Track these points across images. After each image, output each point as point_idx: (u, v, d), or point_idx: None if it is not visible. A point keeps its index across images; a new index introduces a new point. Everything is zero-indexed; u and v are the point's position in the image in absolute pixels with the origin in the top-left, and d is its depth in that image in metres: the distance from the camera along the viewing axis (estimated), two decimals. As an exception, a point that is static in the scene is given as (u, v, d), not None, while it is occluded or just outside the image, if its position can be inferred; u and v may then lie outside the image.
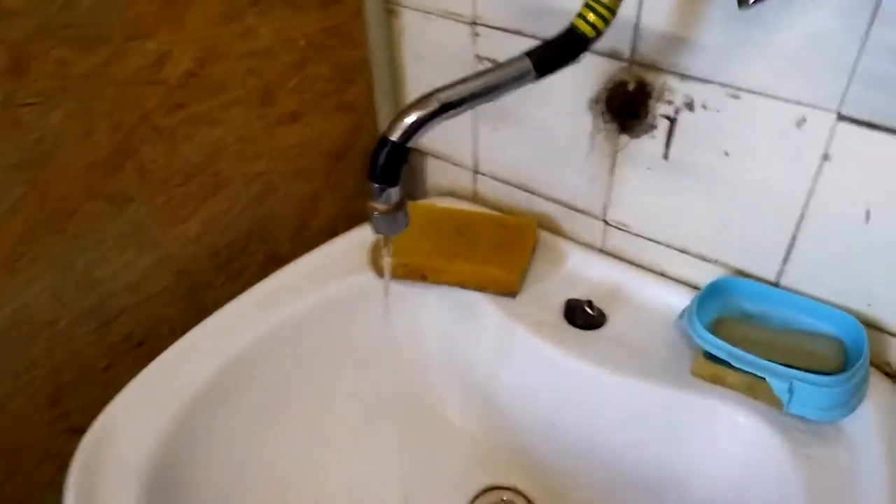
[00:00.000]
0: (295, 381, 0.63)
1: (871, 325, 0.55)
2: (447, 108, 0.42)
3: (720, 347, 0.53)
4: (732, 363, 0.53)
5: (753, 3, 0.45)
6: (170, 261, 0.64)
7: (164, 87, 0.57)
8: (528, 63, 0.44)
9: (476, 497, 0.65)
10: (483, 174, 0.75)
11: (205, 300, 0.69)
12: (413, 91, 0.77)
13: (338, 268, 0.67)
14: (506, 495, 0.65)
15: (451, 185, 0.79)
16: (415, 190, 0.84)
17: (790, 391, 0.51)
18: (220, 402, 0.57)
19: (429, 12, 0.69)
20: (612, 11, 0.45)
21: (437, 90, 0.43)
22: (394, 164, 0.42)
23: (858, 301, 0.56)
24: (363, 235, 0.71)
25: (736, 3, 0.46)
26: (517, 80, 0.44)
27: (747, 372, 0.53)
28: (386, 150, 0.42)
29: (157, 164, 0.59)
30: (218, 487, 0.56)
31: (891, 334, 0.55)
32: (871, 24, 0.45)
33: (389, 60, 0.75)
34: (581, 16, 0.45)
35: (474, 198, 0.78)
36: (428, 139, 0.78)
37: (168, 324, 0.67)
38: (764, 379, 0.52)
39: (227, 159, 0.65)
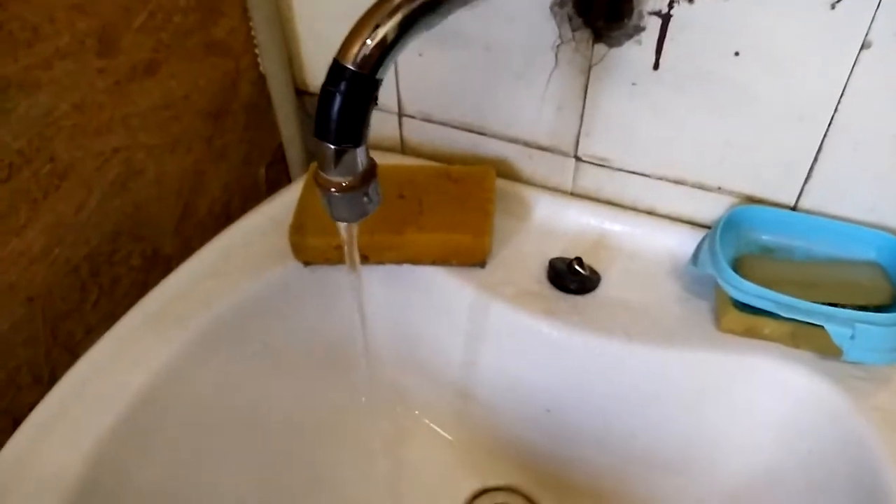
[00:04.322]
0: (222, 413, 0.49)
1: (913, 241, 0.47)
2: (427, 8, 0.27)
3: (765, 297, 0.43)
4: (781, 314, 0.43)
5: None
6: (11, 290, 0.47)
7: (-55, 40, 0.39)
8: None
9: (467, 504, 0.55)
10: (411, 116, 0.60)
11: (74, 330, 0.53)
12: (306, 18, 0.59)
13: (247, 261, 0.52)
14: (500, 497, 0.56)
15: (372, 135, 0.63)
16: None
17: (853, 336, 0.42)
18: (120, 473, 0.42)
19: None
20: None
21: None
22: (357, 109, 0.27)
23: (896, 215, 0.48)
24: (270, 212, 0.56)
25: None
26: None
27: (788, 319, 0.44)
28: (342, 86, 0.26)
29: (-41, 157, 0.42)
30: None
31: (938, 248, 0.48)
32: None
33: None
34: None
35: (403, 148, 0.62)
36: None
37: (29, 370, 0.51)
38: (814, 325, 0.43)
39: (64, 137, 0.47)
